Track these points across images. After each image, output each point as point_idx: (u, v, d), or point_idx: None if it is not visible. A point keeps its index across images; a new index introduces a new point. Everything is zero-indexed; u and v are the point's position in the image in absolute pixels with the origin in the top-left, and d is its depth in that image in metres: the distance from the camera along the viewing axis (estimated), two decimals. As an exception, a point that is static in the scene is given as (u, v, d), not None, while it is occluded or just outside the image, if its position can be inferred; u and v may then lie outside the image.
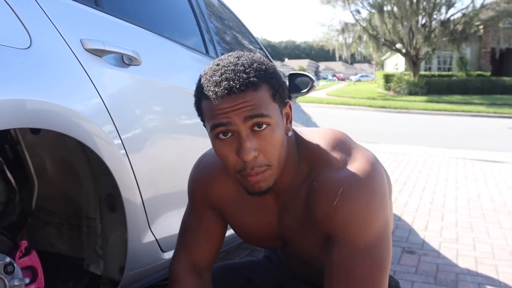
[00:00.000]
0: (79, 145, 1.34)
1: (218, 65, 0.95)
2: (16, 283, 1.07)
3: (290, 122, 1.01)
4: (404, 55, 25.18)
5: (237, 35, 2.97)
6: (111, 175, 1.30)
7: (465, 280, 2.46)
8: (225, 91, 0.90)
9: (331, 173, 0.99)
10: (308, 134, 1.08)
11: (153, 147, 1.51)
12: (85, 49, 1.28)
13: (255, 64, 0.94)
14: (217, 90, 0.90)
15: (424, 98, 20.81)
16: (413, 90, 22.61)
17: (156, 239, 1.50)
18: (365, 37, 25.99)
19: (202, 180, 1.17)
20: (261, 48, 3.06)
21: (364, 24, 25.78)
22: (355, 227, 0.96)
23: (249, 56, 0.96)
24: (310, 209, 1.02)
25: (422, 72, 26.15)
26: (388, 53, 33.88)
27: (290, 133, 1.01)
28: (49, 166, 1.44)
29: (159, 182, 1.54)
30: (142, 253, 1.45)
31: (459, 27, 23.80)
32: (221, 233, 1.21)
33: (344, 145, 1.04)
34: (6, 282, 1.06)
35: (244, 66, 0.92)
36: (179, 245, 1.21)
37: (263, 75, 0.93)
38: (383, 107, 17.86)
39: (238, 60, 0.94)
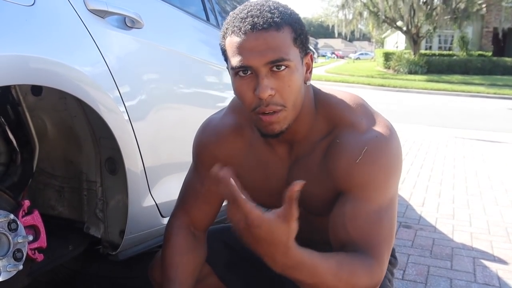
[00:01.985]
0: (81, 107, 1.35)
1: (246, 5, 0.99)
2: (19, 240, 1.10)
3: (310, 72, 1.05)
4: (404, 33, 25.04)
5: (238, 5, 2.95)
6: (113, 138, 1.32)
7: (460, 254, 2.52)
8: (249, 26, 0.94)
9: (355, 133, 1.04)
10: (328, 92, 1.11)
11: (155, 113, 1.53)
12: (88, 9, 1.28)
13: (281, 8, 0.98)
14: (241, 25, 0.95)
15: (424, 77, 20.76)
16: (413, 69, 22.54)
17: (156, 204, 1.53)
18: (365, 13, 25.81)
19: (210, 141, 1.19)
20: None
21: (364, 0, 25.55)
22: (373, 186, 1.02)
23: (277, 1, 1.01)
24: (329, 164, 1.06)
25: (422, 51, 26.03)
26: (389, 31, 33.68)
27: (308, 83, 1.05)
28: (50, 129, 1.45)
29: (160, 147, 1.56)
30: (142, 217, 1.48)
31: (461, 5, 23.63)
32: (222, 196, 1.23)
33: (365, 109, 1.09)
34: (10, 238, 1.08)
35: (270, 7, 0.96)
36: (178, 204, 1.25)
37: (288, 18, 0.96)
38: (382, 85, 17.83)
39: (266, 2, 0.99)
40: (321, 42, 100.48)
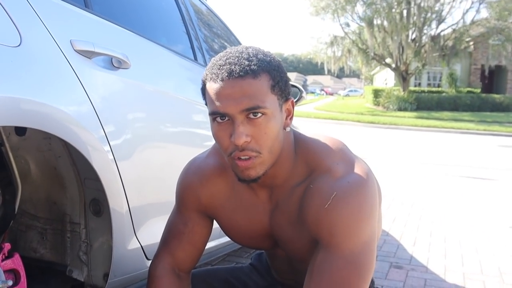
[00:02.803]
0: (65, 148, 1.36)
1: (226, 52, 1.02)
2: None
3: (291, 118, 1.07)
4: (393, 70, 25.50)
5: (226, 43, 3.02)
6: (98, 179, 1.32)
7: (453, 296, 2.51)
8: (226, 73, 0.97)
9: (328, 179, 1.05)
10: (309, 136, 1.14)
11: (141, 153, 1.54)
12: (74, 50, 1.31)
13: (260, 55, 1.00)
14: (218, 72, 0.98)
15: (414, 114, 21.08)
16: (403, 105, 22.89)
17: (141, 246, 1.52)
18: (354, 50, 26.28)
19: (193, 182, 1.21)
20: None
21: (353, 38, 26.10)
22: (342, 232, 1.01)
23: (258, 48, 1.03)
24: (303, 210, 1.07)
25: (411, 88, 26.50)
26: (378, 68, 34.32)
27: (288, 129, 1.07)
28: (34, 169, 1.45)
29: (146, 188, 1.56)
30: (127, 259, 1.47)
31: (449, 43, 24.22)
32: (205, 237, 1.25)
33: (343, 154, 1.11)
34: (-11, 284, 1.07)
35: (249, 54, 0.99)
36: (161, 246, 1.25)
37: (265, 65, 0.99)
38: (372, 122, 18.05)
39: (245, 49, 1.01)
40: (310, 78, 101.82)
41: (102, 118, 1.34)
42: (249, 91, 0.96)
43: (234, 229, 1.22)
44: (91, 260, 1.45)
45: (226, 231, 1.26)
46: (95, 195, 1.40)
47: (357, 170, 1.07)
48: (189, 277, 1.26)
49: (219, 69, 0.99)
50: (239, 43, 3.10)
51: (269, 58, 1.01)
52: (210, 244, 2.13)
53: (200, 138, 2.03)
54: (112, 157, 1.37)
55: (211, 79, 1.00)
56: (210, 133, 2.03)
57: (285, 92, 1.03)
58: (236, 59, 0.98)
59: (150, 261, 1.60)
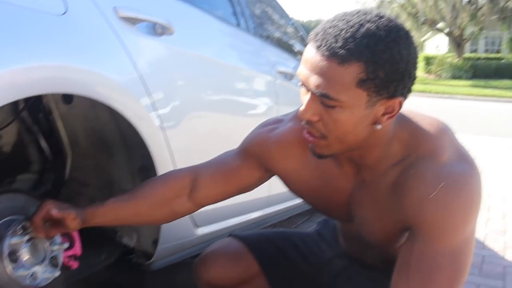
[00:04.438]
0: (112, 116, 1.42)
1: (334, 20, 0.92)
2: (55, 248, 1.17)
3: (390, 118, 0.97)
4: (446, 35, 24.78)
5: (269, 8, 3.01)
6: (145, 146, 1.38)
7: (513, 272, 2.49)
8: (318, 43, 0.90)
9: (433, 164, 0.99)
10: (412, 119, 1.07)
11: (188, 121, 1.59)
12: (118, 16, 1.35)
13: (369, 39, 0.87)
14: (316, 37, 0.91)
15: (469, 82, 20.50)
16: (457, 73, 22.29)
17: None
18: (403, 15, 25.63)
19: (270, 144, 1.19)
20: (293, 25, 3.10)
21: (402, 1, 25.43)
22: (447, 226, 0.97)
23: (376, 26, 0.89)
24: (399, 194, 1.02)
25: (467, 55, 25.71)
26: (429, 34, 33.38)
27: (379, 126, 0.97)
28: (82, 137, 1.52)
29: (193, 154, 1.61)
30: (176, 226, 1.52)
31: (510, 4, 23.28)
32: (246, 184, 1.24)
33: (449, 139, 1.04)
34: (47, 245, 1.15)
35: (353, 33, 0.88)
36: (196, 165, 1.27)
37: (364, 53, 0.87)
38: (423, 91, 17.64)
39: (359, 23, 0.89)
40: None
41: (148, 85, 1.39)
42: (328, 75, 0.89)
43: (308, 193, 1.22)
44: (141, 227, 1.52)
45: (298, 193, 1.24)
46: (144, 162, 1.46)
47: (465, 158, 1.01)
48: (194, 208, 1.26)
49: (315, 36, 0.92)
50: (281, 9, 3.08)
51: (381, 46, 0.87)
52: (259, 213, 2.20)
53: (244, 106, 2.07)
54: (159, 124, 1.43)
55: (311, 39, 0.93)
56: (253, 101, 2.10)
57: (387, 89, 0.91)
58: (335, 33, 0.88)
59: (199, 229, 1.68)
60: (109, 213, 1.17)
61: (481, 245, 2.87)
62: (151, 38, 1.46)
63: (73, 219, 1.10)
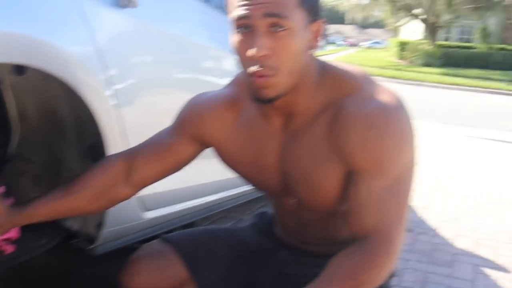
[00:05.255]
0: (65, 90, 1.39)
1: None
2: None
3: (318, 39, 1.05)
4: (422, 21, 25.01)
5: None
6: (97, 124, 1.35)
7: (461, 261, 2.58)
8: None
9: (361, 102, 1.04)
10: (336, 66, 1.12)
11: (146, 98, 1.57)
12: None
13: None
14: None
15: (440, 70, 20.78)
16: (429, 61, 22.58)
17: (139, 195, 1.57)
18: (381, -1, 25.75)
19: (201, 111, 1.22)
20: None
21: (380, -16, 25.51)
22: (387, 160, 1.03)
23: None
24: (336, 140, 1.06)
25: (440, 42, 26.04)
26: (405, 19, 33.61)
27: (313, 51, 1.05)
28: (32, 111, 1.48)
29: (149, 135, 1.60)
30: (122, 209, 1.50)
31: (485, -6, 23.63)
32: (181, 161, 1.25)
33: (371, 81, 1.10)
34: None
35: None
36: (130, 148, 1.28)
37: None
38: (394, 77, 17.82)
39: None
40: (332, 28, 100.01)
41: (106, 59, 1.36)
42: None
43: (240, 162, 1.22)
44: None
45: (231, 164, 1.25)
46: (94, 140, 1.42)
47: (391, 96, 1.06)
48: (134, 191, 1.27)
49: None
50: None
51: None
52: (212, 198, 2.19)
53: (211, 86, 2.04)
54: (115, 102, 1.40)
55: None
56: (221, 81, 2.07)
57: (315, 11, 1.02)
58: None
59: (148, 212, 1.66)
60: (46, 213, 1.16)
61: (433, 233, 2.97)
62: (113, 10, 1.43)
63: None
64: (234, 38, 1.01)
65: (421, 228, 3.05)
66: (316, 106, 1.09)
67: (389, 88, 1.09)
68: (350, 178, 1.06)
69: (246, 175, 1.26)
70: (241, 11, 0.97)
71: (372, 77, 1.12)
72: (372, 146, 1.01)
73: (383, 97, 1.04)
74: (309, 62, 1.05)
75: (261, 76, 0.99)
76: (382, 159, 1.02)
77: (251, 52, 0.97)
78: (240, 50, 1.01)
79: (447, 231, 3.02)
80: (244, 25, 0.98)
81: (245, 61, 1.01)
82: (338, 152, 1.06)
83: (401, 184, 1.05)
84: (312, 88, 1.08)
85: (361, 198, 1.04)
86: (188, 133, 1.24)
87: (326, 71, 1.09)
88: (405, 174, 1.06)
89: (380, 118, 1.02)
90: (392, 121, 1.02)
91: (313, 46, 1.04)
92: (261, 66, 0.98)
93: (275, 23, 0.96)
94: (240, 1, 0.97)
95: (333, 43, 66.76)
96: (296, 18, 0.97)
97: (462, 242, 2.85)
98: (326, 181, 1.09)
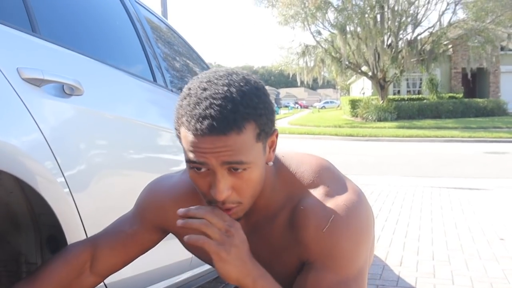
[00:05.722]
0: (17, 183, 1.37)
1: (205, 90, 0.95)
2: None
3: (274, 150, 1.06)
4: (370, 78, 25.95)
5: (188, 61, 3.06)
6: (53, 214, 1.32)
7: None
8: (207, 130, 0.92)
9: (320, 199, 1.06)
10: (292, 158, 1.14)
11: (99, 184, 1.55)
12: (22, 78, 1.32)
13: (246, 99, 0.95)
14: (198, 127, 0.92)
15: (394, 124, 21.46)
16: (382, 115, 23.27)
17: (104, 284, 1.52)
18: (327, 60, 26.65)
19: (165, 201, 1.23)
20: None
21: (326, 46, 26.49)
22: (342, 256, 1.03)
23: (241, 83, 0.97)
24: (294, 233, 1.07)
25: (390, 96, 27.00)
26: (354, 77, 34.88)
27: (271, 163, 1.05)
28: (-17, 208, 1.44)
29: (107, 220, 1.57)
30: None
31: (427, 47, 24.85)
32: (144, 249, 1.26)
33: (331, 173, 1.12)
34: None
35: (233, 101, 0.93)
36: (92, 236, 1.27)
37: (252, 113, 0.95)
38: (350, 135, 18.29)
39: (228, 89, 0.94)
40: (283, 92, 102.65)
41: (54, 148, 1.35)
42: (234, 146, 0.93)
43: (202, 249, 1.23)
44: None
45: (193, 251, 1.26)
46: (52, 231, 1.40)
47: (350, 190, 1.08)
48: (100, 280, 1.25)
49: (198, 121, 0.92)
50: (201, 60, 3.14)
51: (256, 100, 0.96)
52: (184, 276, 2.14)
53: (165, 164, 2.05)
54: (67, 190, 1.38)
55: (188, 129, 0.94)
56: (176, 158, 2.09)
57: (270, 129, 1.01)
58: (219, 110, 0.92)
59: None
60: None
61: (412, 290, 2.95)
62: (58, 100, 1.43)
63: None
64: (190, 172, 1.01)
65: (399, 286, 3.03)
66: (273, 204, 1.11)
67: (351, 184, 1.11)
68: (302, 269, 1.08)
69: (209, 262, 1.26)
70: (197, 158, 0.95)
71: (333, 168, 1.14)
72: (328, 241, 1.03)
73: (342, 196, 1.07)
74: (268, 169, 1.07)
75: (226, 210, 1.01)
76: (335, 254, 1.03)
77: (212, 193, 0.98)
78: (199, 186, 1.02)
79: (425, 287, 3.01)
80: (201, 167, 0.98)
81: (205, 195, 1.02)
82: (296, 244, 1.07)
83: (354, 281, 1.04)
84: (269, 188, 1.10)
85: (309, 285, 1.03)
86: (150, 222, 1.25)
87: (281, 171, 1.12)
88: (359, 272, 1.06)
89: (336, 217, 1.03)
90: (348, 220, 1.04)
91: (270, 158, 1.04)
92: (223, 203, 1.00)
93: (235, 167, 0.96)
94: (195, 146, 0.94)
95: (286, 106, 68.24)
96: (255, 153, 0.97)
97: (441, 296, 2.84)
98: (284, 273, 1.11)
